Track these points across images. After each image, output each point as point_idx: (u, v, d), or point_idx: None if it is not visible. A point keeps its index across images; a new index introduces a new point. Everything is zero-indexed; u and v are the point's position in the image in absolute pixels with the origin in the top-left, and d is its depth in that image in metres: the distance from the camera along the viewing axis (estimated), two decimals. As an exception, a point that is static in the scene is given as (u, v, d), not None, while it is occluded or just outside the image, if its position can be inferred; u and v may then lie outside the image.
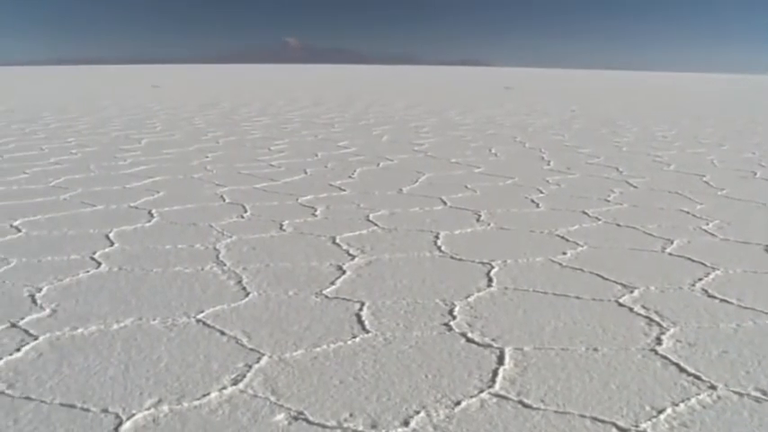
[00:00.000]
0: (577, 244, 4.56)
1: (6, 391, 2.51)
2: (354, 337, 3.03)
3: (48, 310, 3.28)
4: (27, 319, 3.17)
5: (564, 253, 4.35)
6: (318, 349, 2.89)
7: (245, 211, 5.42)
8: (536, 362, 2.80)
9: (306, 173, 7.34)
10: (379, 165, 8.03)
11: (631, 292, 3.64)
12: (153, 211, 5.40)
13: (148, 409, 2.40)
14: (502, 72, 58.78)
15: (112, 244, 4.44)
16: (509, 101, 20.88)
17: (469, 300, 3.49)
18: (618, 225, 5.12)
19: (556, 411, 2.42)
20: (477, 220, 5.21)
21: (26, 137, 10.34)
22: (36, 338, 2.97)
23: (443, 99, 21.67)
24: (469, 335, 3.05)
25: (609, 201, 6.04)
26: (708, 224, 5.17)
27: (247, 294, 3.54)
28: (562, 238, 4.73)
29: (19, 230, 4.74)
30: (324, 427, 2.31)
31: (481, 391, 2.55)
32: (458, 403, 2.47)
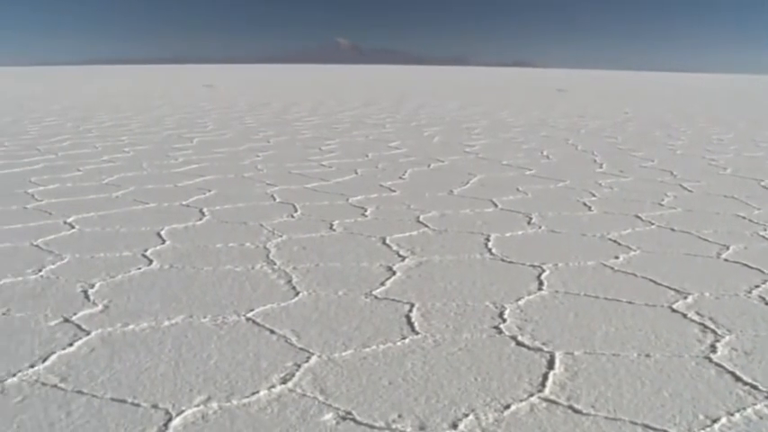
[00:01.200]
0: (630, 248, 4.50)
1: (59, 385, 2.55)
2: (404, 338, 3.01)
3: (100, 306, 3.33)
4: (80, 315, 3.22)
5: (616, 257, 4.29)
6: (367, 350, 2.89)
7: (296, 211, 5.44)
8: (587, 367, 2.76)
9: (356, 173, 7.35)
10: (429, 166, 8.01)
11: (685, 297, 3.58)
12: (204, 209, 5.45)
13: (198, 405, 2.42)
14: (555, 74, 58.29)
15: (164, 242, 4.48)
16: (562, 102, 20.71)
17: (520, 303, 3.46)
18: (672, 230, 5.04)
19: (606, 417, 2.38)
20: (529, 223, 5.17)
21: (80, 135, 10.52)
22: (88, 333, 3.01)
23: (495, 100, 21.56)
24: (519, 338, 3.02)
25: (663, 205, 5.94)
26: (765, 230, 5.06)
27: (297, 294, 3.55)
28: (614, 241, 4.66)
29: (72, 227, 4.81)
30: (372, 427, 2.30)
31: (531, 396, 2.53)
32: (507, 407, 2.44)
